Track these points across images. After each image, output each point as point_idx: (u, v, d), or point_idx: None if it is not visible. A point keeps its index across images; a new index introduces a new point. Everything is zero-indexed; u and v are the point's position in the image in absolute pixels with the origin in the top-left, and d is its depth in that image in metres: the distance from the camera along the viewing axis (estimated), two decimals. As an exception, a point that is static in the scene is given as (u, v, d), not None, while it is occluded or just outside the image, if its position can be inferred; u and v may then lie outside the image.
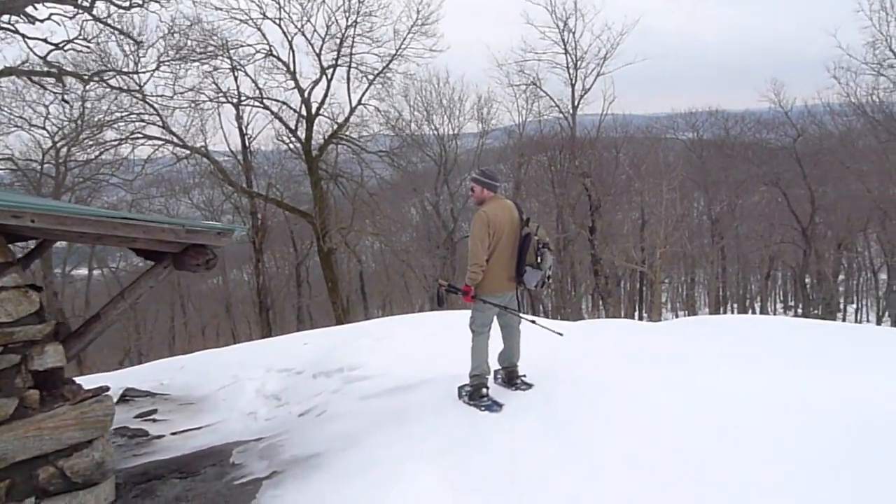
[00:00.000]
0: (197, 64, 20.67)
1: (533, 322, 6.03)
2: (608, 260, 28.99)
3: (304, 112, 22.32)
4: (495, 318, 5.88)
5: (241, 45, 21.31)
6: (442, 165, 32.44)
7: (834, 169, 35.76)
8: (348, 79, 22.28)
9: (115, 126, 21.55)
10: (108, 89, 19.81)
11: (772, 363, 5.80)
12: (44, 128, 24.30)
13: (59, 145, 25.42)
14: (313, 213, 22.40)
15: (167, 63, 18.58)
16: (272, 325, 27.14)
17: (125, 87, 17.71)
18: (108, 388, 4.36)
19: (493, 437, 4.64)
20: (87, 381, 11.55)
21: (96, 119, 21.96)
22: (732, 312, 45.46)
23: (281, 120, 22.80)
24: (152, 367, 12.12)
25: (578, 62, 28.93)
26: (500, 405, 5.50)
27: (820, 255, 37.86)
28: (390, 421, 5.26)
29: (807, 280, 38.52)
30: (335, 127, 22.91)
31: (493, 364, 5.96)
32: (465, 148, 35.73)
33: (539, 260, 5.67)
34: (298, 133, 22.83)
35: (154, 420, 8.70)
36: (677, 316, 52.05)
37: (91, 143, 22.52)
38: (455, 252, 32.53)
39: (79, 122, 23.17)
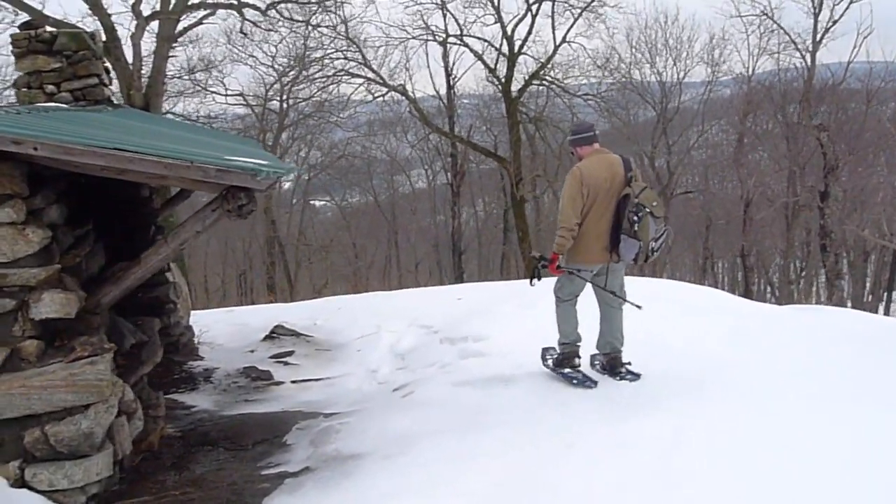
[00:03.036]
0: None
1: (613, 294, 5.05)
2: (852, 232, 24.72)
3: (505, 50, 21.17)
4: (594, 293, 5.10)
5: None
6: (662, 114, 29.58)
7: None
8: (552, 14, 20.63)
9: (325, 64, 22.05)
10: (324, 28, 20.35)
11: None
12: (272, 66, 25.79)
13: (283, 82, 26.96)
14: (508, 159, 21.43)
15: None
16: (465, 270, 26.97)
17: (327, 24, 17.85)
18: (112, 349, 3.80)
19: (568, 474, 3.42)
20: (259, 313, 12.04)
21: (310, 57, 22.67)
22: None
23: (480, 58, 21.88)
24: (313, 305, 12.15)
25: None
26: (593, 381, 4.95)
27: None
28: (463, 425, 4.27)
29: None
30: (538, 66, 21.48)
31: (591, 349, 5.25)
32: (691, 96, 32.36)
33: (635, 228, 4.69)
34: (498, 73, 21.78)
35: (286, 363, 8.53)
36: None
37: (303, 80, 23.34)
38: (669, 208, 29.96)
39: (300, 61, 24.19)
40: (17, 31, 7.47)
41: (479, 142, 27.32)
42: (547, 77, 22.29)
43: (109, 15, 13.97)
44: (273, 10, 11.63)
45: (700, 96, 31.09)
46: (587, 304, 5.20)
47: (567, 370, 5.07)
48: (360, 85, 21.90)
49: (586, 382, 4.94)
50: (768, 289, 35.79)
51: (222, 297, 33.99)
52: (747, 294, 27.92)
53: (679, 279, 43.20)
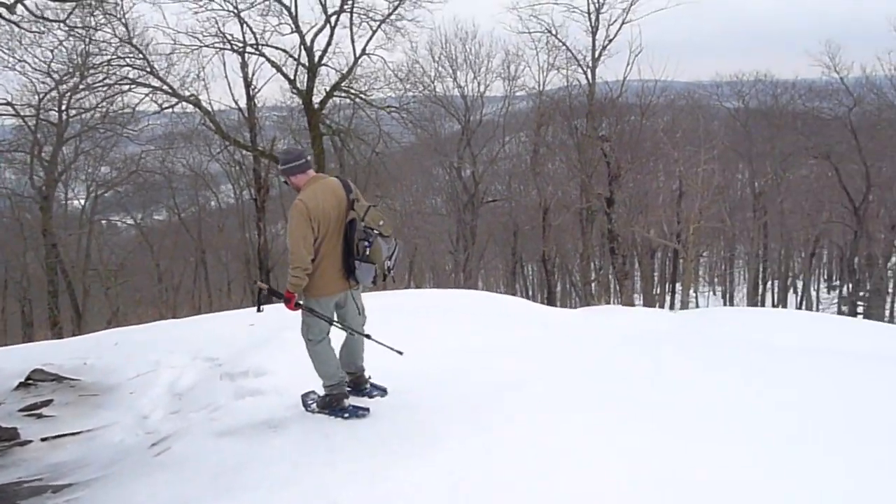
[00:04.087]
0: (193, 5, 19.05)
1: (368, 337, 5.01)
2: (639, 234, 26.87)
3: (305, 61, 20.54)
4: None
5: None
6: (466, 126, 30.47)
7: (893, 143, 32.86)
8: (351, 25, 20.36)
9: (108, 72, 20.11)
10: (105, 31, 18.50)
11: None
12: (48, 73, 23.02)
13: (61, 90, 24.24)
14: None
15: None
16: (277, 287, 25.79)
17: (99, 27, 16.17)
18: None
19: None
20: (18, 354, 10.44)
21: (90, 64, 20.55)
22: (773, 291, 43.65)
23: (279, 69, 21.07)
24: (85, 341, 10.76)
25: (601, 6, 25.92)
26: (365, 409, 4.81)
27: (871, 237, 35.21)
28: (214, 490, 3.72)
29: (855, 263, 35.88)
30: (339, 78, 21.08)
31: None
32: (493, 109, 33.70)
33: (367, 252, 4.62)
34: (300, 84, 21.11)
35: (39, 416, 7.33)
36: (714, 293, 50.11)
37: (84, 89, 21.15)
38: (477, 217, 30.86)
39: (79, 68, 21.80)
40: None
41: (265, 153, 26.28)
42: (351, 89, 21.97)
43: None
44: (21, 6, 10.13)
45: (500, 110, 32.47)
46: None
47: (336, 412, 4.80)
48: (147, 95, 20.18)
49: (358, 412, 4.79)
50: (572, 290, 38.15)
51: (2, 334, 30.00)
52: (550, 297, 29.47)
53: (493, 284, 44.98)
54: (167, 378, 7.87)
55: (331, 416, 4.77)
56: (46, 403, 7.63)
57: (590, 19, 26.03)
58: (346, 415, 4.75)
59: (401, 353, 4.92)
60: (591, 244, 29.31)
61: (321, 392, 4.96)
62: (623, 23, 25.72)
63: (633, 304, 24.62)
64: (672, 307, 32.14)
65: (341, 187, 4.75)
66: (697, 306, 39.68)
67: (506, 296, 14.85)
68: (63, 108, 24.99)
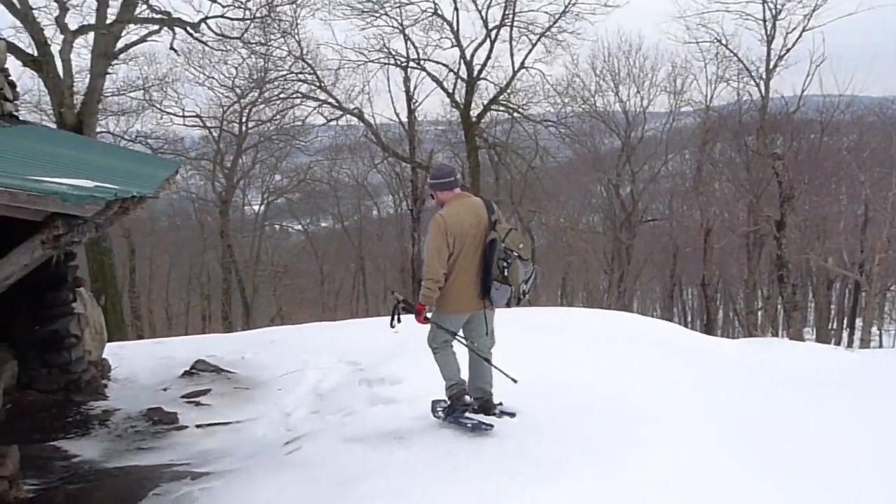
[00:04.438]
0: (361, 23, 20.02)
1: (487, 361, 4.97)
2: (815, 262, 24.65)
3: (464, 75, 20.85)
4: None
5: (407, 3, 20.18)
6: (626, 142, 29.50)
7: None
8: (511, 38, 20.40)
9: (282, 87, 21.60)
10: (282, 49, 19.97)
11: None
12: (231, 88, 25.19)
13: (242, 104, 26.39)
14: (468, 184, 21.00)
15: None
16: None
17: (275, 44, 17.44)
18: None
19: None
20: (188, 345, 11.33)
21: (265, 79, 22.18)
22: (977, 334, 38.16)
23: (439, 84, 21.52)
24: (246, 337, 11.48)
25: (779, 13, 23.69)
26: (489, 425, 4.68)
27: None
28: (333, 497, 3.70)
29: None
30: (497, 91, 21.21)
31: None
32: (656, 125, 32.36)
33: (505, 273, 4.58)
34: (457, 98, 21.45)
35: (197, 404, 7.86)
36: (901, 331, 44.74)
37: (261, 102, 22.85)
38: (634, 236, 29.77)
39: (259, 83, 23.64)
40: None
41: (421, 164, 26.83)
42: (509, 103, 22.02)
43: (42, 28, 13.37)
44: (205, 26, 11.10)
45: (664, 126, 31.12)
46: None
47: (460, 415, 4.80)
48: (315, 109, 21.42)
49: (482, 426, 4.70)
50: (735, 319, 35.63)
51: (185, 325, 33.00)
52: (709, 324, 27.70)
53: (648, 307, 43.12)
54: (312, 378, 8.17)
55: (454, 423, 4.75)
56: (205, 392, 8.18)
57: (765, 27, 24.12)
58: (470, 425, 4.70)
59: (515, 380, 4.79)
60: (758, 270, 27.26)
61: (446, 395, 4.97)
62: (804, 30, 23.52)
63: (802, 339, 22.52)
64: (850, 345, 29.09)
65: (483, 208, 4.80)
66: (881, 346, 35.66)
67: (659, 321, 14.08)
68: (243, 120, 27.18)
